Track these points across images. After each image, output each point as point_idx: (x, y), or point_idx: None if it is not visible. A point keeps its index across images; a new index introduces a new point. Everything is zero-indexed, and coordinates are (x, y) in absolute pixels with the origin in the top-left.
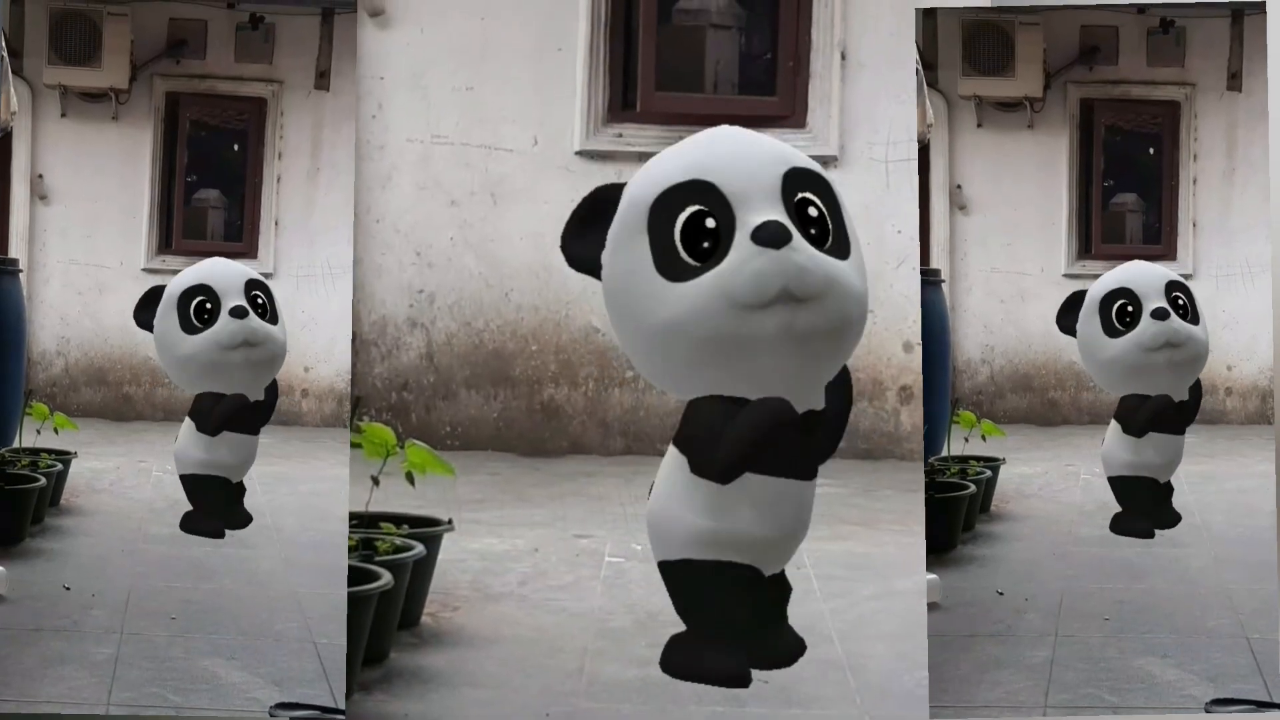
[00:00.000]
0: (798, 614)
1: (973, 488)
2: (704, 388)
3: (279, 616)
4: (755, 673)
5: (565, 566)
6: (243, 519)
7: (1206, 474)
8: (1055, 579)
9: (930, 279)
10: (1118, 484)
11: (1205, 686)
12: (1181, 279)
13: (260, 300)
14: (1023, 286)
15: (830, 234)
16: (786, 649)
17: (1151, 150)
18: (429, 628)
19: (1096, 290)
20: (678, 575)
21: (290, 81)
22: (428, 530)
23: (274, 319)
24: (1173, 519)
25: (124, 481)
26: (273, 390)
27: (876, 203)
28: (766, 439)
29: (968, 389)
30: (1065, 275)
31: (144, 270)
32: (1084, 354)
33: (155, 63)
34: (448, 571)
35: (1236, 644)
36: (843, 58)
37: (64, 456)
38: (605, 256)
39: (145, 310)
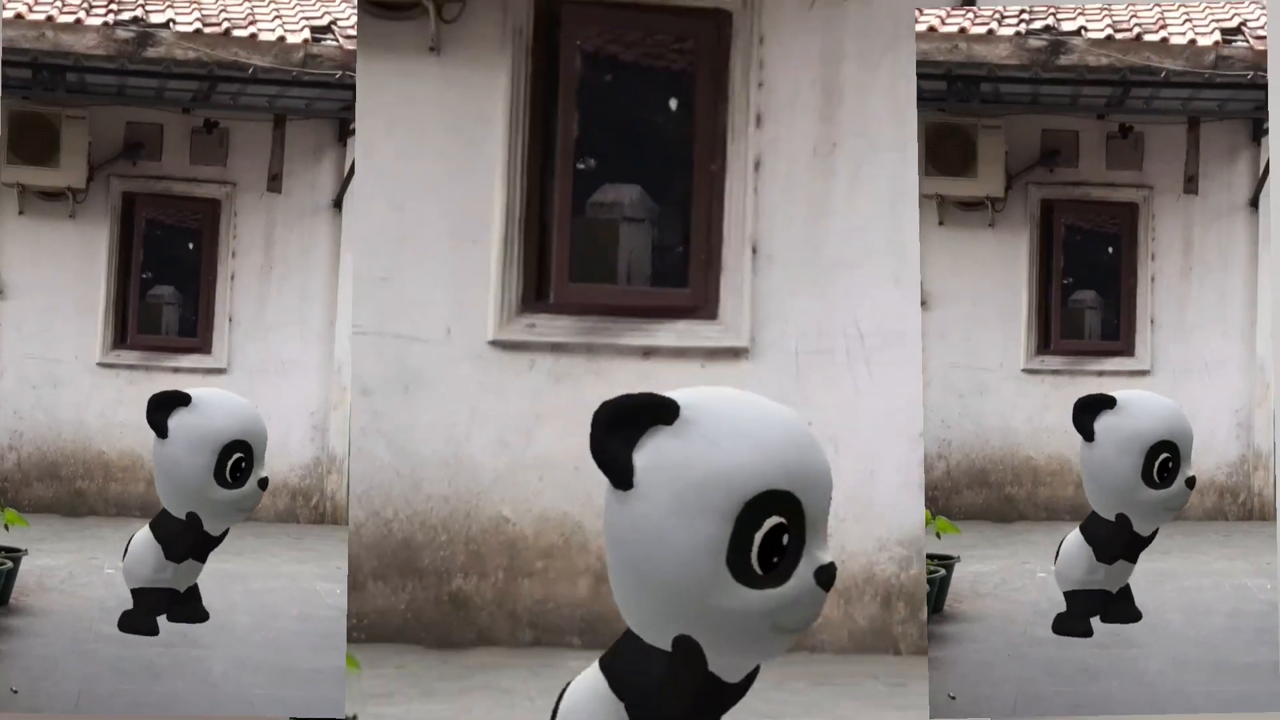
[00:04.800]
0: None
1: (926, 587)
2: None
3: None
4: None
5: None
6: (199, 615)
7: (1164, 571)
8: (1010, 680)
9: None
10: (1071, 596)
11: None
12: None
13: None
14: (981, 381)
15: None
16: None
17: (1110, 249)
18: None
19: (1142, 436)
20: None
21: (243, 183)
22: None
23: None
24: (1134, 615)
25: (75, 579)
26: None
27: (787, 394)
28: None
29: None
30: (1024, 370)
31: (99, 365)
32: (1103, 474)
33: (112, 164)
34: None
35: None
36: (754, 251)
37: (14, 554)
38: (652, 491)
39: (159, 413)
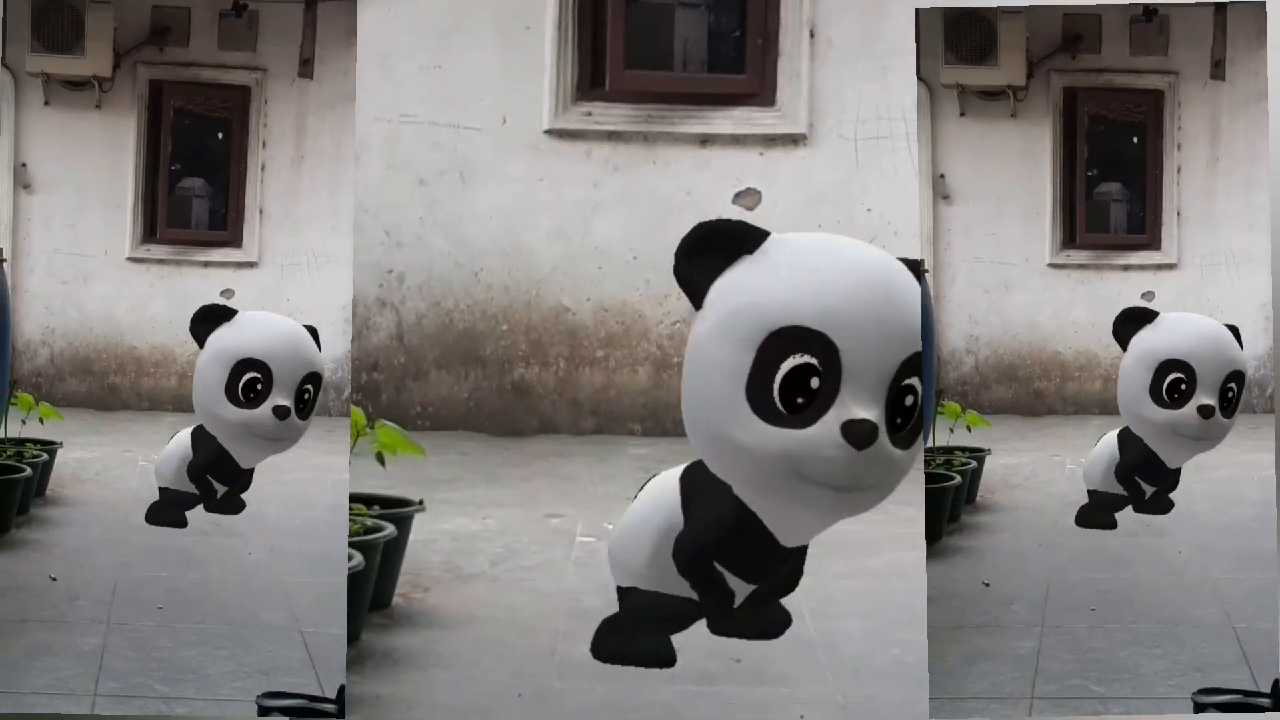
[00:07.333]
0: None
1: (958, 479)
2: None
3: (265, 605)
4: (728, 652)
5: (537, 547)
6: (235, 506)
7: (1193, 463)
8: (1041, 570)
9: (913, 269)
10: (1091, 494)
11: (1192, 676)
12: (1242, 370)
13: (308, 395)
14: (1006, 276)
15: (914, 420)
16: (772, 622)
17: (1135, 139)
18: (400, 609)
19: (1156, 351)
20: (625, 599)
21: (274, 69)
22: (398, 511)
23: (310, 412)
24: (1165, 506)
25: (110, 471)
26: None
27: (845, 181)
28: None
29: (952, 380)
30: (1049, 265)
31: (129, 259)
32: (1120, 385)
33: (138, 50)
34: (419, 552)
35: (1223, 633)
36: (811, 36)
37: (49, 447)
38: (709, 313)
39: (202, 325)
